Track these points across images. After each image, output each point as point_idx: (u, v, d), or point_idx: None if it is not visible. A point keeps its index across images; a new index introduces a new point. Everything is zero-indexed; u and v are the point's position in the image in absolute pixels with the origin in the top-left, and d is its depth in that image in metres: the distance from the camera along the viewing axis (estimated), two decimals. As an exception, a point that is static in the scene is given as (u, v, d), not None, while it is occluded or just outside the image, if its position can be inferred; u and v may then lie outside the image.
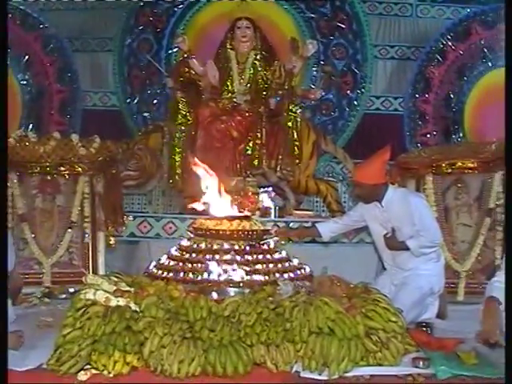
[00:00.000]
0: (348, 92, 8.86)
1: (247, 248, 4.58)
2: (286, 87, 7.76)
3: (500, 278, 4.15)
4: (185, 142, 7.73)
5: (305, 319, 3.79)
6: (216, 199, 4.96)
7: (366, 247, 6.55)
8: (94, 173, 6.31)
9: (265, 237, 4.85)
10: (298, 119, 7.71)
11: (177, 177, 7.67)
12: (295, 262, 4.75)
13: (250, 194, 7.14)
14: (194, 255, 4.55)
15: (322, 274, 4.54)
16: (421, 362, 3.82)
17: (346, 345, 3.73)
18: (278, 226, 6.71)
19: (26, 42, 8.36)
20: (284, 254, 4.78)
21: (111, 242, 6.33)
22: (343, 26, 8.80)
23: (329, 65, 8.69)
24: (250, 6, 8.05)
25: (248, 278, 4.36)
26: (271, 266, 4.53)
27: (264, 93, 7.87)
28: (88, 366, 3.62)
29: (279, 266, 4.57)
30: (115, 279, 4.32)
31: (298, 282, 4.41)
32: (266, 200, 7.43)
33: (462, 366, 3.80)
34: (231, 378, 3.60)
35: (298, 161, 7.65)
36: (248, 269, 4.41)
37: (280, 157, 7.58)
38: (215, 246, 4.57)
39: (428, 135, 8.68)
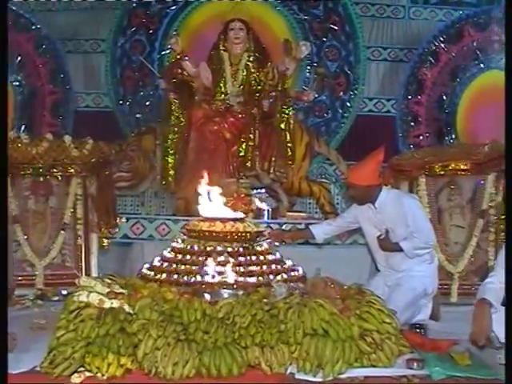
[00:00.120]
0: (341, 94, 8.87)
1: (241, 250, 4.57)
2: (279, 89, 7.75)
3: (492, 279, 4.16)
4: (178, 144, 7.71)
5: (299, 321, 3.80)
6: (209, 201, 4.95)
7: (360, 249, 6.55)
8: (86, 174, 6.28)
9: (258, 238, 4.85)
10: (291, 121, 7.71)
11: (170, 178, 7.65)
12: (289, 263, 4.74)
13: (242, 195, 7.14)
14: (187, 257, 4.53)
15: (316, 276, 4.54)
16: (415, 363, 3.83)
17: (341, 346, 3.74)
18: (271, 227, 6.71)
19: (18, 43, 8.32)
20: (277, 255, 4.77)
21: (104, 244, 6.32)
22: (336, 27, 8.81)
23: (322, 66, 8.70)
24: (243, 7, 8.05)
25: (242, 279, 4.34)
26: (265, 267, 4.51)
27: (257, 94, 7.86)
28: (82, 369, 3.60)
29: (273, 267, 4.56)
30: (108, 281, 4.32)
31: (292, 283, 4.41)
32: (258, 202, 7.42)
33: (455, 367, 3.82)
34: (226, 380, 3.59)
35: (290, 162, 7.64)
36: (242, 270, 4.39)
37: (273, 158, 7.58)
38: (209, 248, 4.55)
39: (421, 137, 8.69)
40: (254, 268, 4.46)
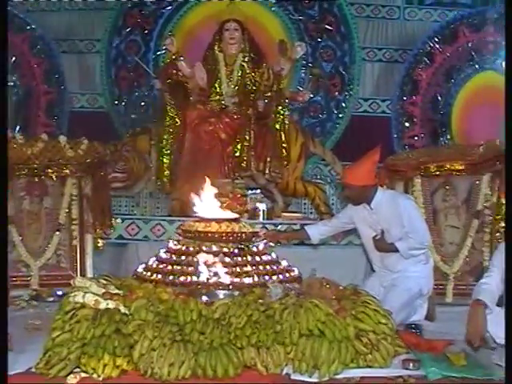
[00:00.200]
0: (336, 94, 8.88)
1: (236, 250, 4.56)
2: (275, 89, 7.74)
3: (487, 280, 4.18)
4: (173, 144, 7.70)
5: (295, 321, 3.80)
6: (204, 202, 4.95)
7: (355, 249, 6.57)
8: (81, 175, 6.26)
9: (254, 239, 4.85)
10: (286, 121, 7.71)
11: (165, 179, 7.64)
12: (284, 264, 4.73)
13: (238, 196, 7.14)
14: (182, 257, 4.53)
15: (311, 277, 4.54)
16: (411, 364, 3.83)
17: (337, 347, 3.74)
18: (266, 228, 6.71)
19: (12, 44, 8.28)
20: (273, 256, 4.77)
21: (99, 245, 6.31)
22: (331, 28, 8.82)
23: (317, 67, 8.71)
24: (238, 7, 8.05)
25: (237, 280, 4.33)
26: (260, 268, 4.50)
27: (252, 95, 7.85)
28: (77, 370, 3.59)
29: (268, 268, 4.55)
30: (104, 282, 4.31)
31: (288, 284, 4.41)
32: (254, 202, 7.42)
33: (451, 368, 3.82)
34: (221, 381, 3.59)
35: (286, 163, 7.65)
36: (237, 271, 4.39)
37: (268, 159, 7.57)
38: (204, 249, 4.54)
39: (415, 137, 8.72)
40: (249, 268, 4.45)
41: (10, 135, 6.25)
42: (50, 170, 6.18)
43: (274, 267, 4.60)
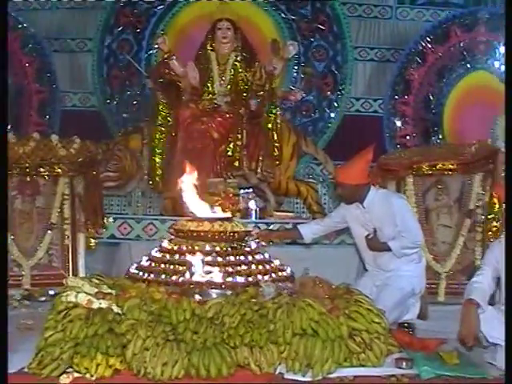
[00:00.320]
0: (328, 94, 8.86)
1: (229, 249, 4.56)
2: (267, 89, 7.74)
3: (479, 278, 4.19)
4: (165, 144, 7.69)
5: (288, 321, 3.80)
6: (197, 201, 4.94)
7: (347, 248, 6.56)
8: (74, 174, 6.25)
9: (246, 238, 4.84)
10: (279, 121, 7.71)
11: (157, 178, 7.64)
12: (277, 263, 4.73)
13: (230, 195, 7.14)
14: (175, 257, 4.52)
15: (304, 276, 4.54)
16: (404, 363, 3.84)
17: (330, 346, 3.74)
18: (258, 227, 6.71)
19: (4, 42, 8.27)
20: (266, 255, 4.77)
21: (91, 244, 6.29)
22: (323, 27, 8.80)
23: (309, 66, 8.71)
24: (231, 7, 8.03)
25: (230, 279, 4.33)
26: (253, 267, 4.50)
27: (244, 94, 7.85)
28: (70, 369, 3.59)
29: (261, 267, 4.54)
30: (96, 281, 4.30)
31: (280, 283, 4.40)
32: (246, 201, 7.41)
33: (444, 366, 3.84)
34: (215, 380, 3.59)
35: (278, 162, 7.66)
36: (230, 270, 4.38)
37: (260, 158, 7.58)
38: (197, 248, 4.53)
39: (407, 137, 8.72)
40: (242, 268, 4.45)
41: None
42: (42, 169, 6.17)
43: (267, 266, 4.59)
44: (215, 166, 7.53)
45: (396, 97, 8.75)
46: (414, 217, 5.42)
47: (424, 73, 8.63)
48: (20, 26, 8.52)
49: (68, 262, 6.18)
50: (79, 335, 3.64)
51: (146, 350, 3.60)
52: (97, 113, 8.87)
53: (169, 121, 7.72)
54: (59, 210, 6.21)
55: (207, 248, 4.51)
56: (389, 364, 3.88)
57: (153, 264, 4.55)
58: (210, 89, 7.86)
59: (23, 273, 6.02)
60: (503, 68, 8.32)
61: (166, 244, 4.75)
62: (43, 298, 5.70)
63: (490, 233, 5.90)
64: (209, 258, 4.42)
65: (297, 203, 8.32)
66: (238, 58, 7.92)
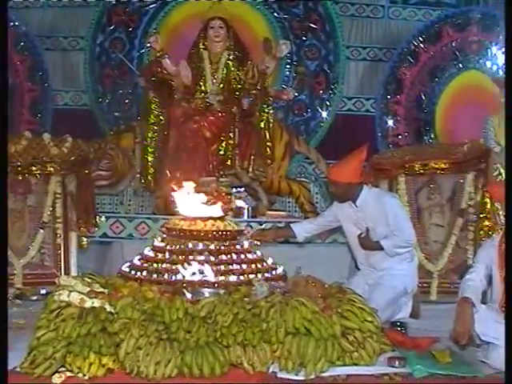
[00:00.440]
0: (320, 93, 8.87)
1: (221, 248, 4.55)
2: (259, 87, 7.74)
3: (472, 276, 4.20)
4: (157, 142, 7.68)
5: (281, 320, 3.79)
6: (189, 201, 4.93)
7: (340, 247, 6.58)
8: (66, 173, 6.23)
9: (239, 237, 4.84)
10: (271, 120, 7.70)
11: (149, 177, 7.62)
12: (269, 262, 4.73)
13: (223, 194, 7.12)
14: (167, 256, 4.51)
15: (297, 275, 4.55)
16: (396, 362, 3.85)
17: (323, 345, 3.74)
18: (251, 226, 6.71)
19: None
20: (258, 254, 4.76)
21: (83, 243, 6.28)
22: (316, 26, 8.80)
23: (301, 65, 8.71)
24: (223, 5, 8.01)
25: (223, 278, 4.32)
26: (245, 266, 4.49)
27: (237, 93, 7.84)
28: (63, 369, 3.57)
29: (253, 266, 4.54)
30: (88, 280, 4.28)
31: (273, 282, 4.40)
32: (238, 200, 7.41)
33: (436, 365, 3.84)
34: (208, 380, 3.58)
35: (270, 161, 7.64)
36: (222, 269, 4.38)
37: (252, 157, 7.57)
38: (189, 247, 4.53)
39: (399, 136, 8.74)
40: (234, 267, 4.44)
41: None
42: (33, 168, 6.15)
43: (260, 265, 4.58)
44: (207, 164, 7.51)
45: (388, 96, 8.77)
46: (406, 216, 5.42)
47: (416, 72, 8.65)
48: (12, 24, 8.46)
49: (60, 261, 6.15)
50: (72, 334, 3.62)
51: (139, 349, 3.59)
52: (89, 111, 8.84)
53: (161, 119, 7.70)
54: (51, 209, 6.19)
55: (200, 247, 4.50)
56: (381, 363, 3.88)
57: (145, 263, 4.53)
58: (203, 87, 7.84)
59: (15, 272, 5.99)
60: (495, 68, 8.38)
61: (158, 243, 4.74)
62: (35, 297, 5.68)
63: (482, 232, 5.92)
64: (201, 257, 4.41)
65: (289, 202, 8.31)
66: (231, 57, 7.90)
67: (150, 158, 7.63)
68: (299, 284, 4.30)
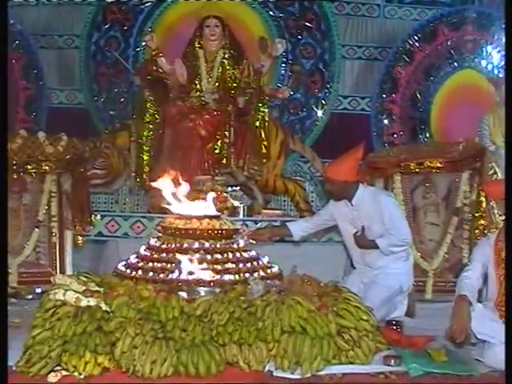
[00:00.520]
0: (316, 91, 8.86)
1: (217, 247, 4.55)
2: (254, 86, 7.75)
3: (469, 273, 4.21)
4: (152, 141, 7.68)
5: (277, 318, 3.80)
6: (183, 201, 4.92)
7: (335, 246, 6.60)
8: (61, 171, 6.21)
9: (234, 236, 4.84)
10: (266, 118, 7.72)
11: (144, 175, 7.63)
12: (265, 261, 4.73)
13: (218, 192, 7.12)
14: (163, 254, 4.50)
15: (292, 273, 4.55)
16: (392, 360, 3.86)
17: (318, 343, 3.75)
18: (246, 225, 6.72)
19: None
20: (254, 252, 4.76)
21: (79, 242, 6.26)
22: (311, 25, 8.78)
23: (297, 64, 8.70)
24: (219, 4, 8.02)
25: (218, 277, 4.32)
26: (241, 265, 4.49)
27: (232, 92, 7.84)
28: (58, 368, 3.57)
29: (249, 265, 4.54)
30: (84, 279, 4.28)
31: (269, 281, 4.40)
32: (234, 199, 7.41)
33: (432, 364, 3.86)
34: (204, 378, 3.58)
35: (265, 160, 7.66)
36: (218, 268, 4.37)
37: (248, 156, 7.58)
38: (185, 245, 4.52)
39: (395, 135, 8.74)
40: (230, 265, 4.43)
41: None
42: (29, 167, 6.13)
43: (255, 264, 4.58)
44: (203, 163, 7.52)
45: (383, 95, 8.76)
46: (402, 215, 5.42)
47: (411, 71, 8.65)
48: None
49: (55, 260, 6.13)
50: (67, 333, 3.62)
51: (135, 348, 3.59)
52: (84, 110, 8.81)
53: (156, 118, 7.72)
54: (46, 208, 6.17)
55: (195, 245, 4.49)
56: (377, 361, 3.90)
57: (140, 262, 4.52)
58: (198, 86, 7.85)
59: (10, 270, 5.97)
60: (490, 67, 8.39)
61: (153, 242, 4.73)
62: (30, 296, 5.67)
63: (477, 231, 5.92)
64: (197, 256, 4.40)
65: (284, 201, 8.32)
66: (226, 56, 7.91)
67: (145, 157, 7.65)
68: (295, 283, 4.29)
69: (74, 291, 3.96)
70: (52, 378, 3.50)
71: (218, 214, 4.96)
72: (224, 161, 7.53)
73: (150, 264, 4.44)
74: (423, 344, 4.24)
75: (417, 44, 8.64)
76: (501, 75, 7.91)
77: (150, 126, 7.70)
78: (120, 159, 7.36)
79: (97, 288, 4.11)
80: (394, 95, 8.74)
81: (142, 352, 3.58)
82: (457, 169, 6.20)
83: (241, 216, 7.27)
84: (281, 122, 8.37)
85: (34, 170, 6.16)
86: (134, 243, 5.95)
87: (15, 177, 6.10)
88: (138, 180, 7.66)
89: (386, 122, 8.77)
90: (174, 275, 4.28)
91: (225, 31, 7.91)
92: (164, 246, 4.57)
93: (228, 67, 7.89)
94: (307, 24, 8.81)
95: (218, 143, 7.54)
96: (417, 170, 6.29)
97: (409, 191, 6.32)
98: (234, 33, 8.08)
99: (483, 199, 5.95)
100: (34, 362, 3.54)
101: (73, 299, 3.86)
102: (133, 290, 4.04)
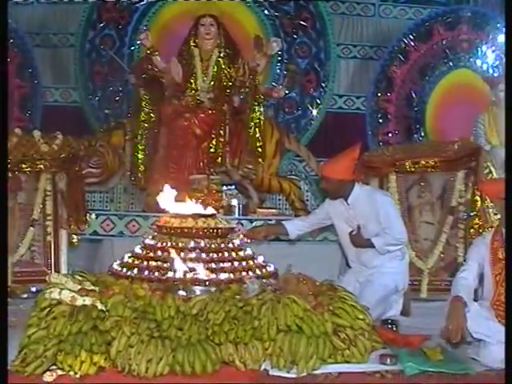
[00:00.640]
0: (311, 91, 8.86)
1: (212, 246, 4.54)
2: (250, 85, 7.74)
3: (465, 274, 4.21)
4: (147, 140, 7.67)
5: (273, 317, 3.80)
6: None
7: (331, 245, 6.60)
8: (56, 170, 6.20)
9: (230, 235, 4.83)
10: (262, 117, 7.70)
11: (139, 174, 7.62)
12: (260, 259, 4.73)
13: (213, 191, 7.12)
14: (158, 253, 4.49)
15: (288, 272, 4.55)
16: (388, 359, 3.86)
17: (314, 342, 3.75)
18: (241, 223, 6.71)
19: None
20: (249, 251, 4.76)
21: (74, 241, 6.24)
22: (306, 24, 8.79)
23: (292, 63, 8.70)
24: (214, 3, 8.01)
25: (214, 276, 4.32)
26: (237, 264, 4.49)
27: (227, 90, 7.84)
28: (54, 367, 3.57)
29: (244, 264, 4.54)
30: (79, 278, 4.27)
31: (264, 280, 4.40)
32: (229, 198, 7.41)
33: (428, 362, 3.87)
34: (200, 377, 3.58)
35: (261, 159, 7.65)
36: (213, 267, 4.37)
37: (243, 155, 7.58)
38: (180, 244, 4.52)
39: (390, 134, 8.75)
40: (226, 264, 4.43)
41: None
42: (23, 165, 6.11)
43: (251, 263, 4.58)
44: (198, 162, 7.51)
45: (379, 94, 8.77)
46: (397, 214, 5.42)
47: (406, 70, 8.66)
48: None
49: (50, 259, 6.13)
50: (63, 332, 3.62)
51: (131, 347, 3.59)
52: (79, 108, 8.80)
53: (151, 117, 7.70)
54: (41, 207, 6.16)
55: (191, 244, 4.48)
56: (373, 360, 3.90)
57: (136, 261, 4.51)
58: (193, 85, 7.82)
59: (5, 269, 5.97)
60: (485, 66, 8.40)
61: (148, 240, 4.72)
62: (25, 295, 5.65)
63: (472, 230, 5.94)
64: (192, 255, 4.40)
65: (279, 200, 8.32)
66: (221, 54, 7.89)
67: (140, 156, 7.63)
68: (290, 282, 4.30)
69: (70, 290, 3.96)
70: (47, 377, 3.49)
71: (214, 212, 4.95)
72: (219, 160, 7.52)
73: (146, 263, 4.43)
74: (419, 343, 4.25)
75: (412, 43, 8.65)
76: (496, 74, 7.93)
77: (145, 125, 7.68)
78: (115, 158, 7.35)
79: (92, 287, 4.11)
80: (389, 94, 8.74)
81: (138, 351, 3.58)
82: (452, 168, 6.22)
83: (236, 215, 7.27)
84: (276, 121, 8.37)
85: (28, 169, 6.14)
86: (129, 242, 5.94)
87: (10, 175, 6.08)
88: (133, 179, 7.65)
89: (381, 121, 8.77)
90: (170, 274, 4.27)
91: (220, 30, 7.89)
92: (159, 245, 4.56)
93: (223, 66, 7.87)
94: (302, 23, 8.81)
95: (213, 142, 7.54)
96: (412, 169, 6.31)
97: (404, 190, 6.34)
98: (230, 32, 8.05)
99: (478, 198, 5.97)
100: (30, 361, 3.53)
101: (68, 298, 3.86)
102: (128, 289, 4.04)
